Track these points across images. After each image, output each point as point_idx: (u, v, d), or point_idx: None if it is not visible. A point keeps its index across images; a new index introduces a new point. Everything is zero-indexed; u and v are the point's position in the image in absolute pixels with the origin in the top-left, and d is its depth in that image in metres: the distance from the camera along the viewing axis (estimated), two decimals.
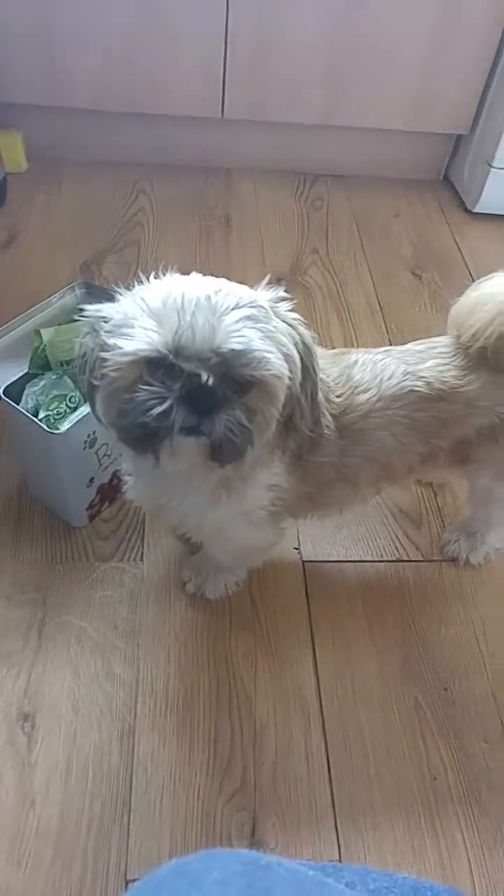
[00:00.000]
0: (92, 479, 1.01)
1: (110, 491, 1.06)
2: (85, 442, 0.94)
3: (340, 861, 0.80)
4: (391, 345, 1.37)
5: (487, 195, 1.72)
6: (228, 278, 1.50)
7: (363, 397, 0.79)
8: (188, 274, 0.70)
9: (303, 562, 1.05)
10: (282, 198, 1.73)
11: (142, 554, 1.04)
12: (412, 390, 0.80)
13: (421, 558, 1.07)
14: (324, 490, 0.85)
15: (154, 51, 1.52)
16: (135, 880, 0.77)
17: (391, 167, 1.81)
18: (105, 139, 1.71)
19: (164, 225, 1.61)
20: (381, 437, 0.81)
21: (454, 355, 0.83)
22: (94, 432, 0.94)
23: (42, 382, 0.95)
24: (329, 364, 0.80)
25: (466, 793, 0.87)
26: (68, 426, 0.90)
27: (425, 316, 1.47)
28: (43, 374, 0.98)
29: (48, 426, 0.91)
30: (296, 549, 1.06)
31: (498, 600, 1.04)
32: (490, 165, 1.67)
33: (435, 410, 0.81)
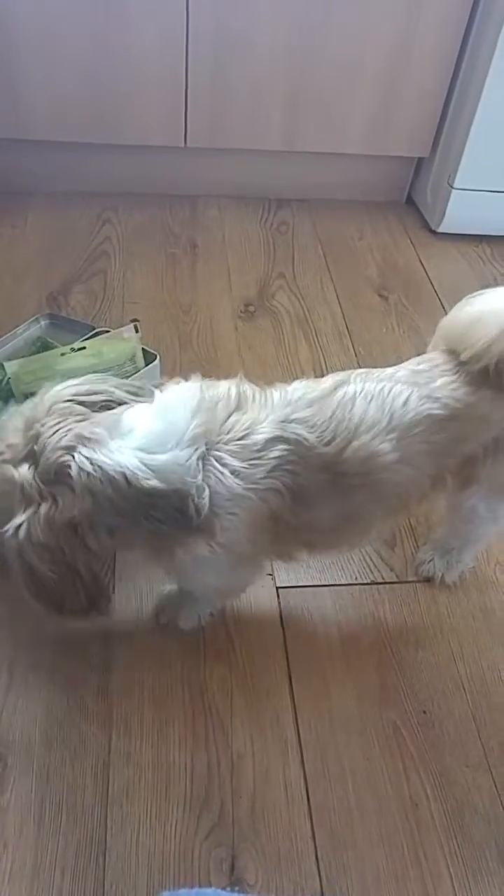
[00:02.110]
0: None
1: None
2: None
3: (323, 894, 0.80)
4: (360, 366, 1.42)
5: (450, 215, 1.77)
6: (195, 306, 1.54)
7: (364, 439, 0.75)
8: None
9: (276, 588, 1.06)
10: (247, 223, 1.76)
11: (113, 586, 1.04)
12: (429, 414, 0.78)
13: (395, 580, 1.08)
14: (326, 536, 0.83)
15: (115, 82, 1.56)
16: None
17: (355, 190, 1.86)
18: (70, 170, 1.74)
19: (130, 253, 1.63)
20: (396, 470, 0.78)
21: (457, 371, 0.81)
22: None
23: (2, 416, 0.96)
24: (318, 408, 0.75)
25: (449, 820, 0.87)
26: None
27: (393, 337, 1.50)
28: (5, 406, 0.99)
29: None
30: (269, 574, 1.07)
31: (474, 620, 1.06)
32: (451, 186, 1.72)
33: (451, 430, 0.80)
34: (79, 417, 0.69)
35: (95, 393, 0.72)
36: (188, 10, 1.47)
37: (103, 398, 0.72)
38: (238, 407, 0.74)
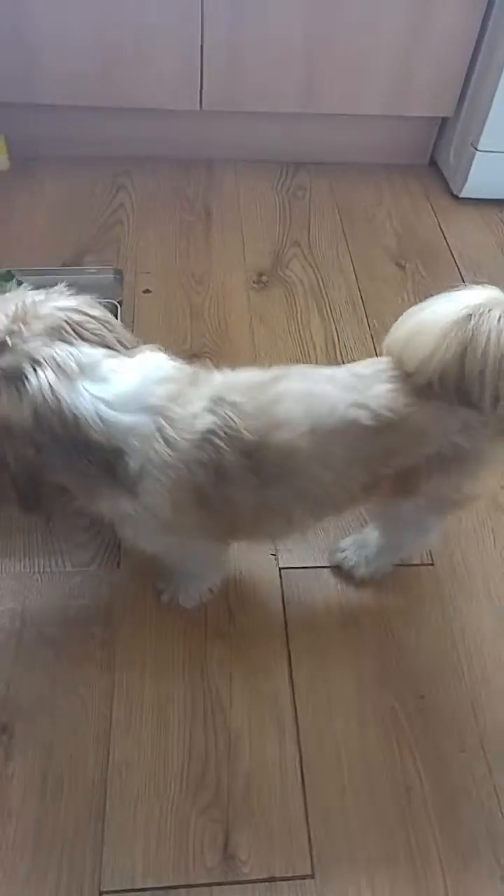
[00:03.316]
0: None
1: None
2: None
3: (313, 874, 0.77)
4: (373, 340, 1.33)
5: (473, 179, 1.62)
6: (208, 275, 1.43)
7: (284, 436, 0.70)
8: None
9: (279, 568, 1.00)
10: (263, 189, 1.64)
11: (118, 562, 1.00)
12: (356, 422, 0.71)
13: (399, 562, 1.01)
14: (247, 522, 0.78)
15: (130, 45, 1.43)
16: (109, 892, 0.74)
17: (375, 153, 1.71)
18: (85, 134, 1.62)
19: (144, 221, 1.53)
20: (315, 472, 0.73)
21: (402, 380, 0.73)
22: None
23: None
24: (250, 396, 0.71)
25: (442, 805, 0.82)
26: None
27: (407, 308, 1.38)
28: None
29: None
30: (272, 555, 1.01)
31: (476, 606, 0.99)
32: (475, 148, 1.56)
33: (382, 440, 0.72)
34: (63, 340, 0.65)
35: (90, 324, 0.68)
36: None
37: (96, 337, 0.68)
38: (191, 382, 0.72)
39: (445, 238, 1.56)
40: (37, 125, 1.59)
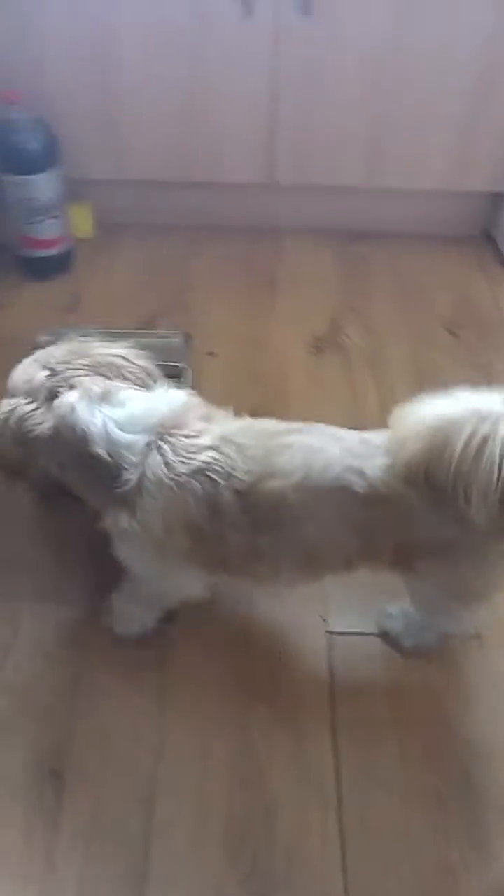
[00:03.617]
0: None
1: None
2: None
3: None
4: None
5: None
6: (269, 340, 1.47)
7: (276, 484, 0.71)
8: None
9: (327, 632, 1.00)
10: (325, 257, 1.69)
11: (173, 615, 1.01)
12: (347, 487, 0.71)
13: (447, 637, 0.99)
14: (236, 560, 0.78)
15: (205, 125, 1.53)
16: None
17: (431, 224, 1.75)
18: (163, 205, 1.73)
19: (213, 287, 1.60)
20: (303, 527, 0.73)
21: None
22: None
23: None
24: (259, 441, 0.74)
25: (485, 891, 0.78)
26: None
27: (460, 375, 1.38)
28: None
29: None
30: (322, 617, 1.01)
31: None
32: None
33: (371, 512, 0.71)
34: (101, 374, 0.78)
35: (131, 369, 0.80)
36: (274, 64, 1.43)
37: (137, 380, 0.80)
38: (204, 418, 0.77)
39: (500, 307, 1.56)
40: (120, 196, 1.71)
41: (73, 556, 1.08)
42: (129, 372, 0.80)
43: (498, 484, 0.63)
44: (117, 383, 0.77)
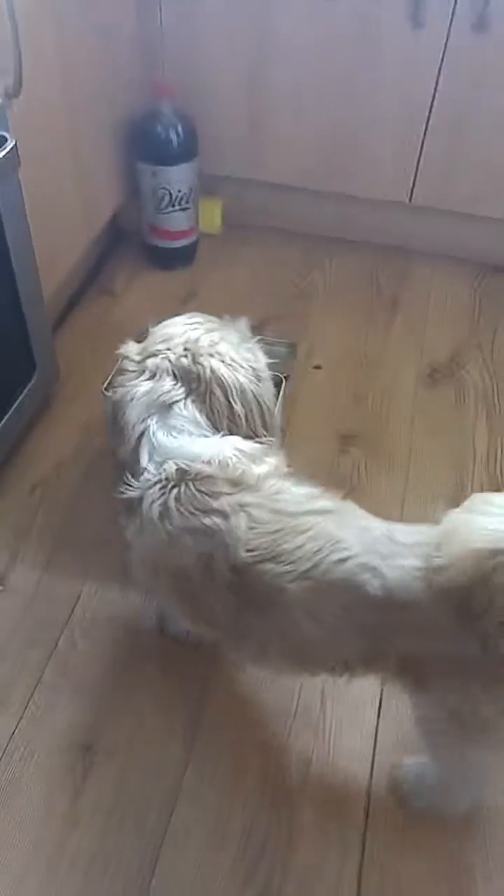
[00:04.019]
0: None
1: None
2: None
3: None
4: None
5: None
6: (381, 362, 1.51)
7: (276, 570, 0.69)
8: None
9: None
10: (457, 287, 1.71)
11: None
12: (359, 587, 0.68)
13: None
14: (223, 626, 0.79)
15: (352, 138, 1.61)
16: None
17: None
18: (293, 211, 1.83)
19: (331, 300, 1.67)
20: (299, 619, 0.71)
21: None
22: None
23: None
24: (276, 516, 0.72)
25: None
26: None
27: None
28: None
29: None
30: None
31: None
32: None
33: (384, 616, 0.68)
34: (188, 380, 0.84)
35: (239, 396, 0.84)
36: (438, 81, 1.48)
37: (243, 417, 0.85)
38: (234, 482, 0.75)
39: None
40: (252, 196, 1.82)
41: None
42: (238, 413, 0.82)
43: None
44: (193, 409, 0.82)
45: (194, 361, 0.82)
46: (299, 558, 0.70)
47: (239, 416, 0.83)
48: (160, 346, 0.85)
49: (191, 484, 0.75)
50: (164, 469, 0.77)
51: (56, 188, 1.36)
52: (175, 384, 0.82)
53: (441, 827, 0.89)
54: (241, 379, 0.83)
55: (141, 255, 1.76)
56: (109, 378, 1.10)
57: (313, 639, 0.72)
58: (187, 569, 0.75)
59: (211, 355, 0.83)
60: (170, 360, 0.83)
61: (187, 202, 1.62)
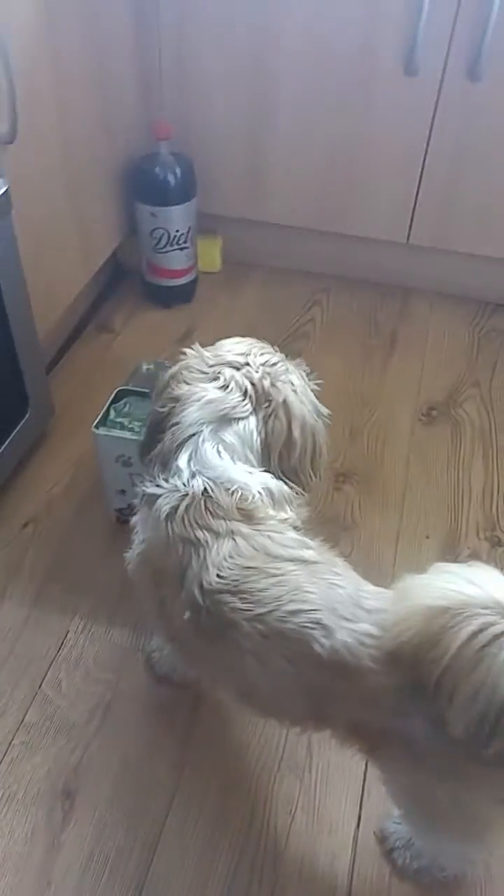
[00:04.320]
0: (123, 491, 1.19)
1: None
2: (118, 458, 1.13)
3: None
4: None
5: None
6: (377, 400, 1.53)
7: (234, 605, 0.70)
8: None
9: None
10: (455, 325, 1.75)
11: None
12: (308, 643, 0.67)
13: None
14: (181, 645, 0.80)
15: (350, 179, 1.67)
16: None
17: None
18: (292, 249, 1.88)
19: (329, 338, 1.71)
20: (248, 663, 0.71)
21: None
22: (130, 458, 1.11)
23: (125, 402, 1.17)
24: (256, 556, 0.73)
25: None
26: (104, 433, 1.12)
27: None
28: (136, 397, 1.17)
29: (104, 428, 1.13)
30: None
31: None
32: None
33: (325, 677, 0.68)
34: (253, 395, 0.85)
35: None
36: (432, 126, 1.54)
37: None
38: (246, 516, 0.76)
39: None
40: (251, 235, 1.88)
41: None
42: (295, 442, 0.84)
43: (490, 700, 0.57)
44: (244, 425, 0.82)
45: (272, 384, 0.84)
46: (259, 600, 0.70)
47: (295, 445, 0.85)
48: (239, 359, 0.86)
49: (204, 500, 0.77)
50: (194, 483, 0.78)
51: (53, 228, 1.41)
52: (243, 401, 0.83)
53: (429, 885, 0.87)
54: (305, 411, 0.85)
55: (140, 292, 1.82)
56: (100, 415, 1.13)
57: (259, 685, 0.73)
58: (167, 573, 0.77)
59: (284, 382, 0.85)
60: (248, 377, 0.84)
61: (185, 241, 1.68)
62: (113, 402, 1.16)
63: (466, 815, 0.72)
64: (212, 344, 0.92)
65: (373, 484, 1.36)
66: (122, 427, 1.13)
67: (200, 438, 0.81)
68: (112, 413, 1.15)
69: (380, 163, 1.63)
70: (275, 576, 0.71)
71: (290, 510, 0.81)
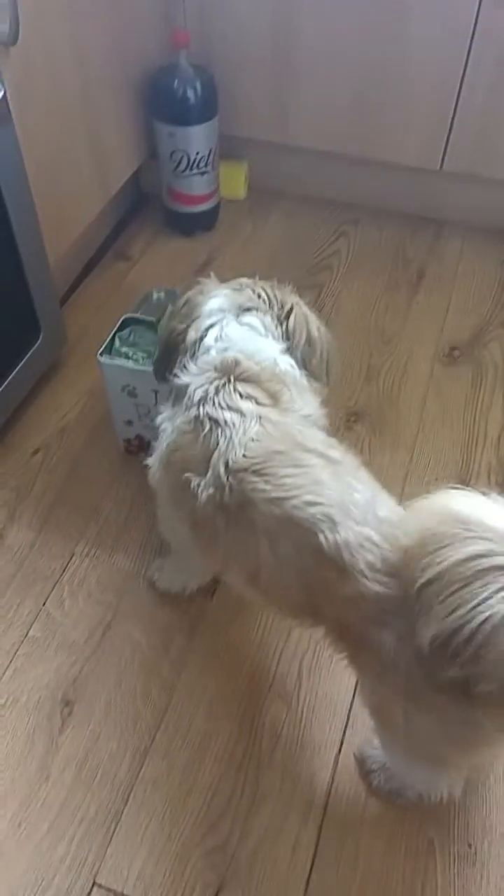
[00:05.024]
0: (130, 422, 1.26)
1: (142, 446, 1.31)
2: (124, 387, 1.19)
3: None
4: None
5: None
6: (398, 338, 1.53)
7: (256, 485, 0.76)
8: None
9: None
10: (488, 261, 1.73)
11: (214, 592, 1.16)
12: (315, 534, 0.72)
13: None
14: (201, 523, 0.84)
15: (382, 100, 1.63)
16: (101, 886, 0.89)
17: None
18: (321, 177, 1.86)
19: (353, 271, 1.71)
20: (258, 541, 0.77)
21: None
22: (135, 388, 1.18)
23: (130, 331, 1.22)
24: (286, 443, 0.79)
25: None
26: (108, 362, 1.17)
27: None
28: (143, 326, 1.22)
29: (109, 356, 1.18)
30: None
31: None
32: None
33: (324, 572, 0.73)
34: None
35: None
36: (471, 44, 1.49)
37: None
38: (274, 395, 0.84)
39: None
40: (278, 161, 1.87)
41: (140, 514, 1.26)
42: (314, 340, 0.93)
43: (466, 620, 0.60)
44: (267, 337, 0.90)
45: (283, 296, 0.95)
46: (281, 485, 0.75)
47: (315, 343, 0.93)
48: (246, 280, 0.97)
49: (234, 381, 0.83)
50: (224, 358, 0.85)
51: (64, 146, 1.40)
52: (259, 299, 0.93)
53: (403, 806, 0.95)
54: (317, 319, 0.96)
55: (161, 219, 1.83)
56: (105, 343, 1.18)
57: (266, 566, 0.79)
58: (194, 458, 0.82)
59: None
60: (260, 286, 0.95)
61: (206, 165, 1.67)
62: (119, 330, 1.20)
63: (420, 738, 0.78)
64: (230, 275, 1.00)
65: (386, 423, 1.39)
66: (127, 357, 1.17)
67: (224, 322, 0.90)
68: (117, 342, 1.19)
69: (417, 82, 1.58)
70: (299, 466, 0.76)
71: (311, 406, 0.88)
